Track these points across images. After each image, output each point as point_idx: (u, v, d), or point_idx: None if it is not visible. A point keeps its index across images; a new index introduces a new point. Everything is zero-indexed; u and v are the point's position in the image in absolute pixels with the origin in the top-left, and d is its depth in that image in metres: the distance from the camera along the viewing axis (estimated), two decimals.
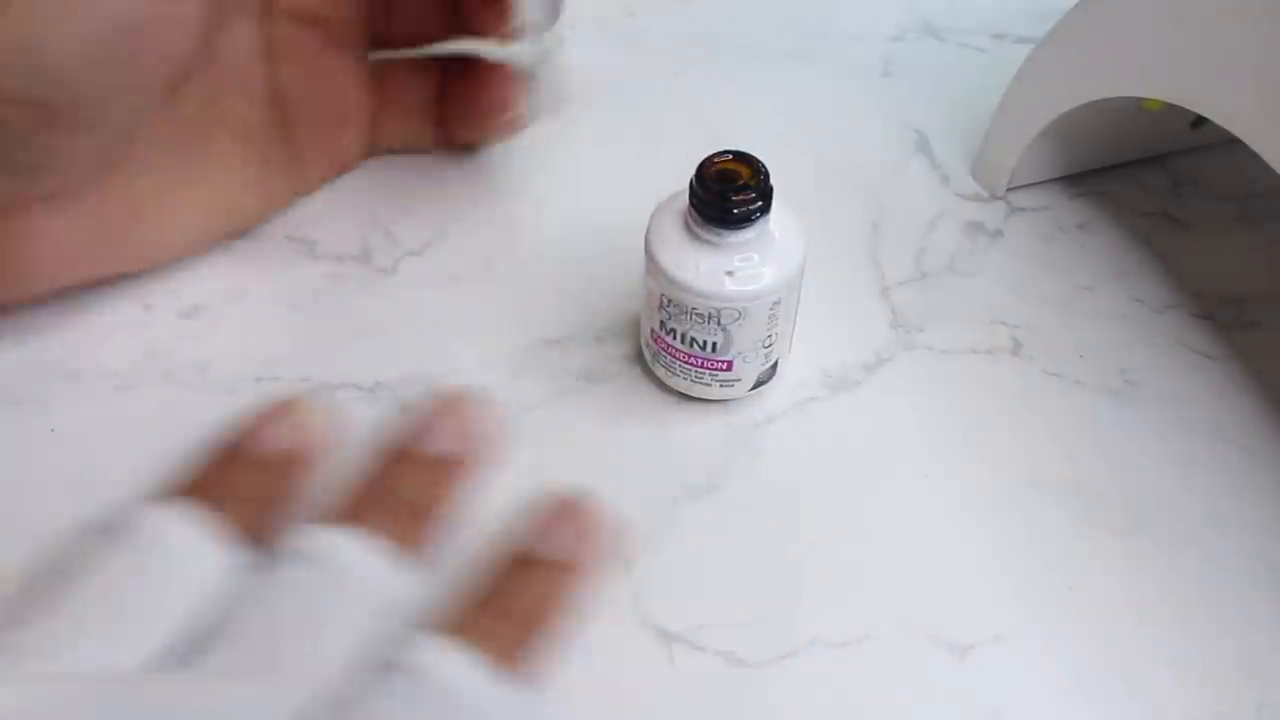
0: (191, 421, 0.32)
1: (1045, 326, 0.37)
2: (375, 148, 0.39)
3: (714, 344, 0.32)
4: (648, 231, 0.32)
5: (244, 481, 0.28)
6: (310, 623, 0.25)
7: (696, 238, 0.31)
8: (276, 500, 0.28)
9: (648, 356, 0.35)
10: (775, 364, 0.34)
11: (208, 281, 0.36)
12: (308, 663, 0.24)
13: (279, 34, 0.34)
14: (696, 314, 0.31)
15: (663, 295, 0.32)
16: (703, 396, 0.34)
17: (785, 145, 0.41)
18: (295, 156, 0.37)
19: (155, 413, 0.33)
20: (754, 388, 0.34)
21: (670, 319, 0.32)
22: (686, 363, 0.33)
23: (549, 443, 0.34)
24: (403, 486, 0.28)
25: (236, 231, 0.37)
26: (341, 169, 0.39)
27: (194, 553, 0.26)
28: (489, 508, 0.29)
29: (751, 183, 0.30)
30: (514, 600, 0.26)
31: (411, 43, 0.37)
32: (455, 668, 0.24)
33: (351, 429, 0.30)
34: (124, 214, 0.33)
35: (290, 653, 0.24)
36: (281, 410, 0.29)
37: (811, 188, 0.41)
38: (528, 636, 0.26)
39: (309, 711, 0.24)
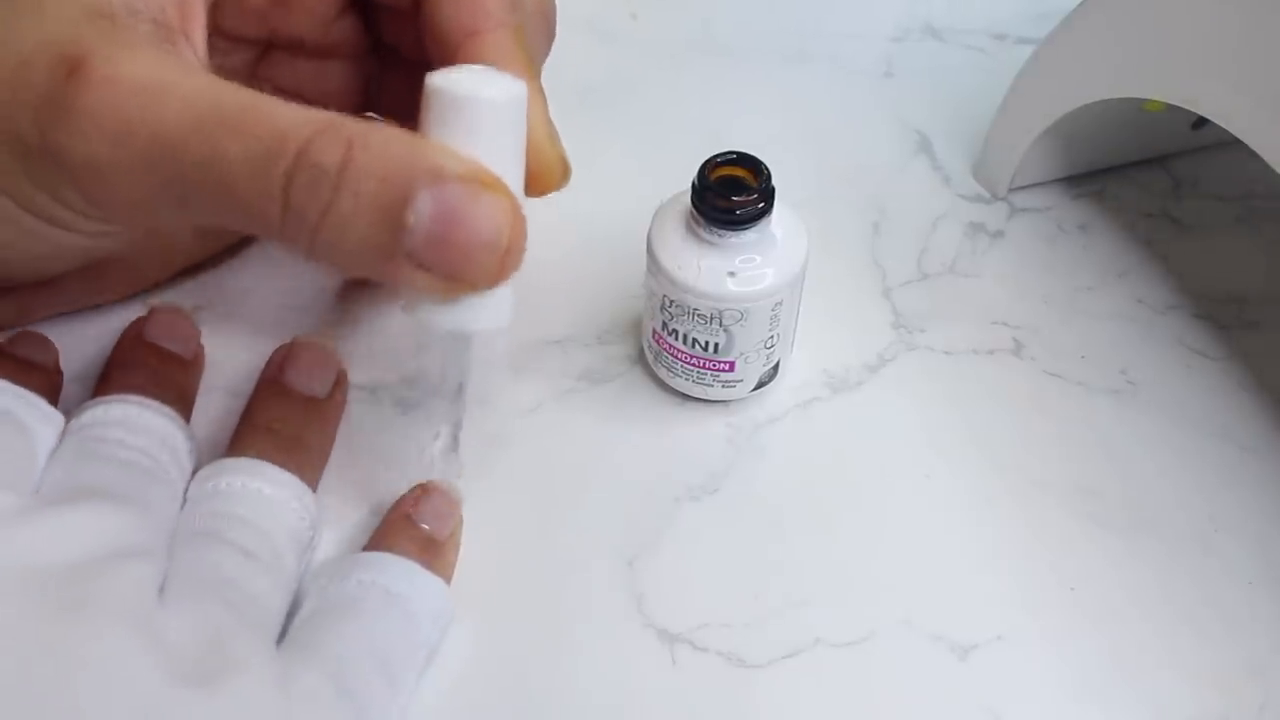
0: (195, 421, 0.32)
1: (1047, 327, 0.37)
2: None
3: (716, 345, 0.32)
4: (649, 232, 0.32)
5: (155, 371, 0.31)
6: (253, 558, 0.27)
7: (698, 238, 0.31)
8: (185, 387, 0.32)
9: (649, 357, 0.35)
10: (777, 365, 0.34)
11: (210, 283, 0.36)
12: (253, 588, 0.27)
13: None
14: (698, 315, 0.31)
15: (664, 296, 0.32)
16: (704, 397, 0.34)
17: (786, 146, 0.41)
18: None
19: None
20: (756, 388, 0.34)
21: (672, 320, 0.32)
22: (688, 363, 0.33)
23: (551, 443, 0.34)
24: (279, 420, 0.31)
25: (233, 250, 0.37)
26: None
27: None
28: None
29: (753, 184, 0.30)
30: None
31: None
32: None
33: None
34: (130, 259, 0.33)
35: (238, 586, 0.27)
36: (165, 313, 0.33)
37: (813, 189, 0.41)
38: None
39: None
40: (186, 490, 0.29)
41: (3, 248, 0.27)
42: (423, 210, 0.23)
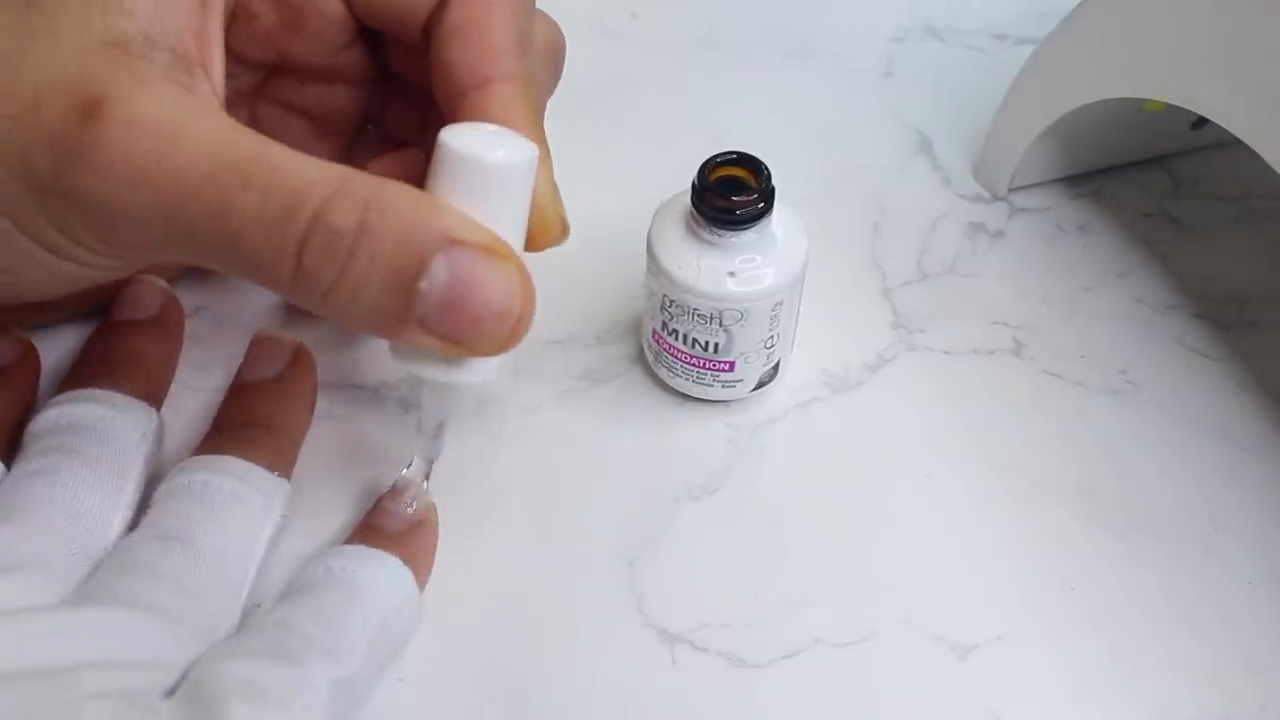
0: (191, 422, 0.32)
1: (1047, 327, 0.37)
2: None
3: (716, 345, 0.32)
4: (650, 232, 0.32)
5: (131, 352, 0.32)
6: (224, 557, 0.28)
7: (698, 238, 0.31)
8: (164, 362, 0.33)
9: (649, 357, 0.35)
10: (777, 365, 0.34)
11: (210, 283, 0.36)
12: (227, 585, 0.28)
13: (265, 112, 0.33)
14: (698, 315, 0.31)
15: (664, 296, 0.32)
16: (704, 397, 0.34)
17: (787, 146, 0.41)
18: None
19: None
20: (756, 388, 0.34)
21: (672, 320, 0.32)
22: (688, 363, 0.33)
23: (551, 443, 0.34)
24: (250, 412, 0.31)
25: None
26: None
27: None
28: None
29: (754, 184, 0.30)
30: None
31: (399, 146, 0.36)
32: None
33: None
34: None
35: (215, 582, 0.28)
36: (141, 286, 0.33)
37: (813, 188, 0.41)
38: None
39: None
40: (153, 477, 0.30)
41: (12, 274, 0.27)
42: (437, 277, 0.23)
